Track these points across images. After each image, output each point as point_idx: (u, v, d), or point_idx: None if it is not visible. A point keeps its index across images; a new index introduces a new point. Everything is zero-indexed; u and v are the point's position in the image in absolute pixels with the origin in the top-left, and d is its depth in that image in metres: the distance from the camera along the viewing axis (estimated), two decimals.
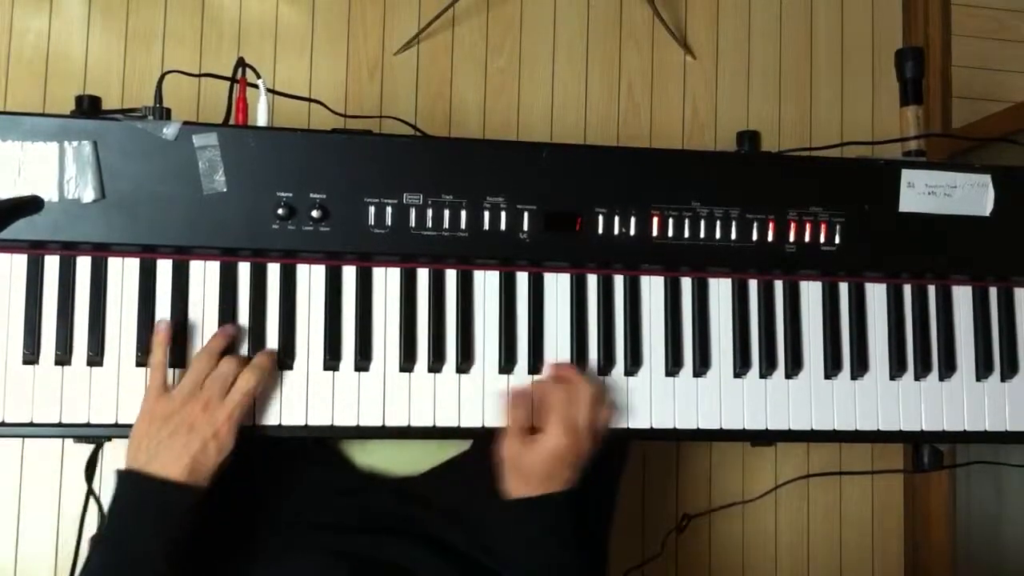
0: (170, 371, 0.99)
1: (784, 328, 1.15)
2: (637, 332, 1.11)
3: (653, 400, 1.11)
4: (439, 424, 1.06)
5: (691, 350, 1.12)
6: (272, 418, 1.03)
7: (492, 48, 2.01)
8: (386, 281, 1.07)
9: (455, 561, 1.07)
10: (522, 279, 1.10)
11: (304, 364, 1.04)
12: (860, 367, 1.15)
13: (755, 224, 1.12)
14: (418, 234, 1.05)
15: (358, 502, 1.12)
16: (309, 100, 1.32)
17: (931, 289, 1.19)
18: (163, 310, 1.02)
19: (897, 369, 1.16)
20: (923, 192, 1.15)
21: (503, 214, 1.07)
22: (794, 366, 1.14)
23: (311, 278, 1.06)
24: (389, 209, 1.04)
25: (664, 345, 1.12)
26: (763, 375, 1.13)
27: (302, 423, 1.03)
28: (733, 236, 1.12)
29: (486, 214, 1.06)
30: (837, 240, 1.14)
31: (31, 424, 0.99)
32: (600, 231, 1.09)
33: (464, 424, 1.06)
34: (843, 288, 1.17)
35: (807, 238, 1.13)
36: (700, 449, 1.99)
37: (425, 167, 1.06)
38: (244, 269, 1.04)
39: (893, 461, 1.97)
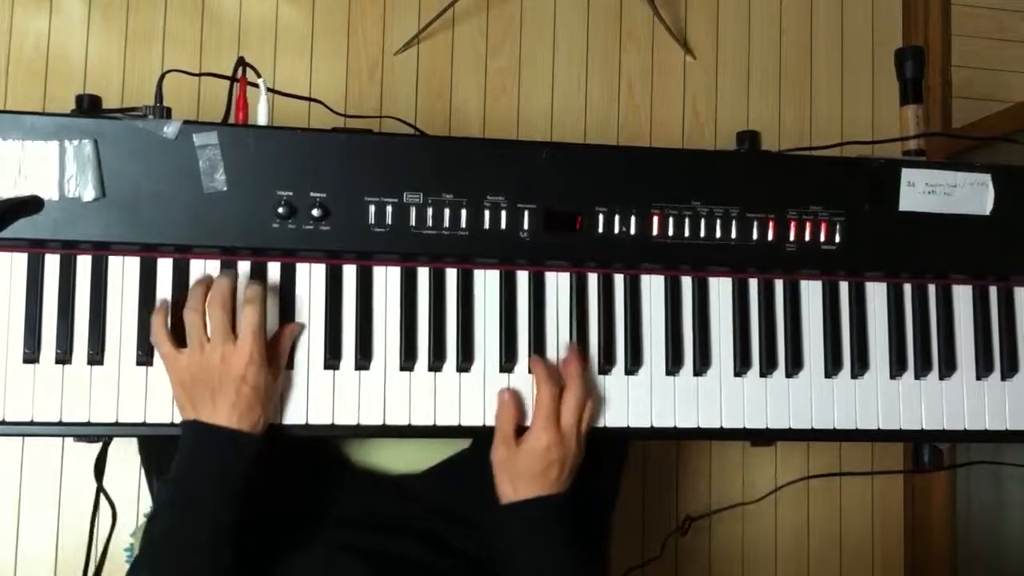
0: None
1: (784, 327, 1.15)
2: (637, 331, 1.11)
3: (653, 399, 1.11)
4: (440, 423, 1.06)
5: (691, 349, 1.12)
6: (272, 417, 1.02)
7: (492, 48, 2.01)
8: (386, 280, 1.07)
9: (455, 559, 1.07)
10: (522, 278, 1.10)
11: (304, 363, 1.04)
12: (860, 366, 1.15)
13: (755, 223, 1.12)
14: (418, 233, 1.05)
15: (358, 501, 1.12)
16: (309, 100, 1.32)
17: (931, 288, 1.19)
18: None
19: (897, 368, 1.16)
20: (923, 191, 1.15)
21: (503, 213, 1.07)
22: (794, 365, 1.14)
23: (311, 277, 1.06)
24: (389, 208, 1.04)
25: (664, 344, 1.12)
26: (763, 374, 1.13)
27: (302, 422, 1.03)
28: (733, 235, 1.12)
29: (486, 213, 1.06)
30: (837, 239, 1.14)
31: (31, 423, 0.99)
32: (600, 230, 1.09)
33: (465, 423, 1.06)
34: (843, 287, 1.17)
35: (807, 237, 1.13)
36: (700, 449, 1.99)
37: (425, 166, 1.06)
38: (244, 268, 1.04)
39: (893, 461, 1.97)
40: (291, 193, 1.02)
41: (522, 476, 1.01)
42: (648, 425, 1.10)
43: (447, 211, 1.06)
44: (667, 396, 1.11)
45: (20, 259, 1.01)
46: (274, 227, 1.02)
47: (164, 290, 1.02)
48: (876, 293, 1.17)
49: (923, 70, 1.29)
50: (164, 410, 1.01)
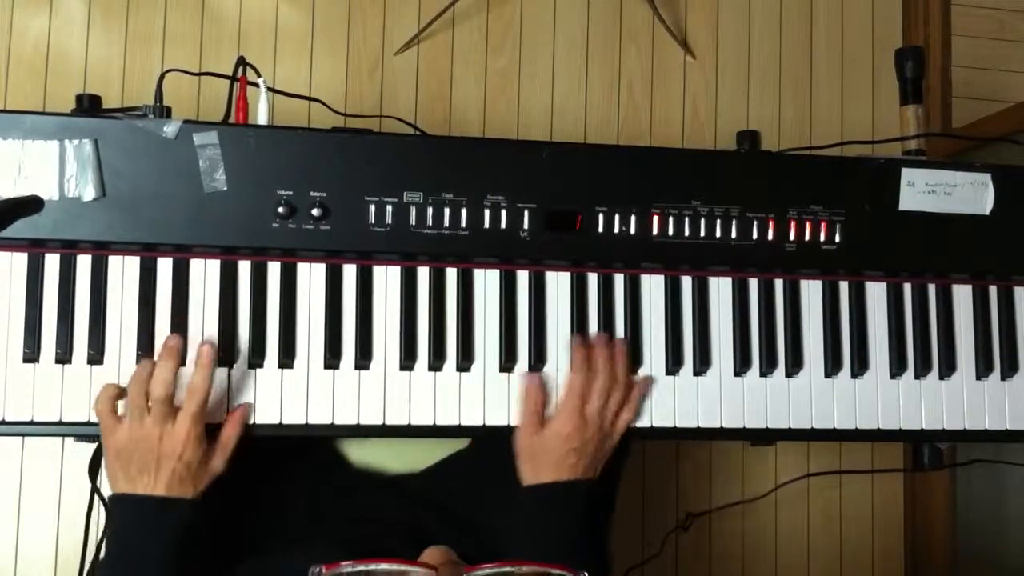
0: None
1: (784, 327, 1.15)
2: (637, 331, 1.11)
3: (654, 399, 1.11)
4: (439, 423, 1.06)
5: (691, 349, 1.12)
6: (272, 417, 1.03)
7: (492, 48, 2.01)
8: (386, 280, 1.07)
9: None
10: (522, 278, 1.10)
11: (304, 363, 1.04)
12: (860, 366, 1.15)
13: (755, 223, 1.12)
14: (418, 232, 1.05)
15: (356, 500, 1.12)
16: (309, 99, 1.32)
17: (931, 288, 1.19)
18: (163, 309, 1.02)
19: (897, 368, 1.16)
20: (923, 191, 1.15)
21: (503, 213, 1.07)
22: (794, 365, 1.14)
23: (311, 277, 1.06)
24: (389, 208, 1.04)
25: (664, 344, 1.12)
26: (763, 374, 1.13)
27: (302, 422, 1.03)
28: (733, 235, 1.12)
29: (486, 213, 1.06)
30: (837, 239, 1.14)
31: (31, 423, 0.99)
32: (600, 230, 1.09)
33: (465, 423, 1.06)
34: (843, 287, 1.17)
35: (807, 237, 1.13)
36: (700, 449, 1.99)
37: (425, 166, 1.06)
38: (244, 268, 1.04)
39: (893, 460, 1.97)
40: (291, 193, 1.02)
41: (544, 460, 1.02)
42: (648, 425, 1.10)
43: (447, 211, 1.06)
44: (667, 396, 1.11)
45: (20, 259, 1.01)
46: (274, 227, 1.02)
47: (164, 289, 1.02)
48: (876, 293, 1.17)
49: (923, 70, 1.29)
50: None
